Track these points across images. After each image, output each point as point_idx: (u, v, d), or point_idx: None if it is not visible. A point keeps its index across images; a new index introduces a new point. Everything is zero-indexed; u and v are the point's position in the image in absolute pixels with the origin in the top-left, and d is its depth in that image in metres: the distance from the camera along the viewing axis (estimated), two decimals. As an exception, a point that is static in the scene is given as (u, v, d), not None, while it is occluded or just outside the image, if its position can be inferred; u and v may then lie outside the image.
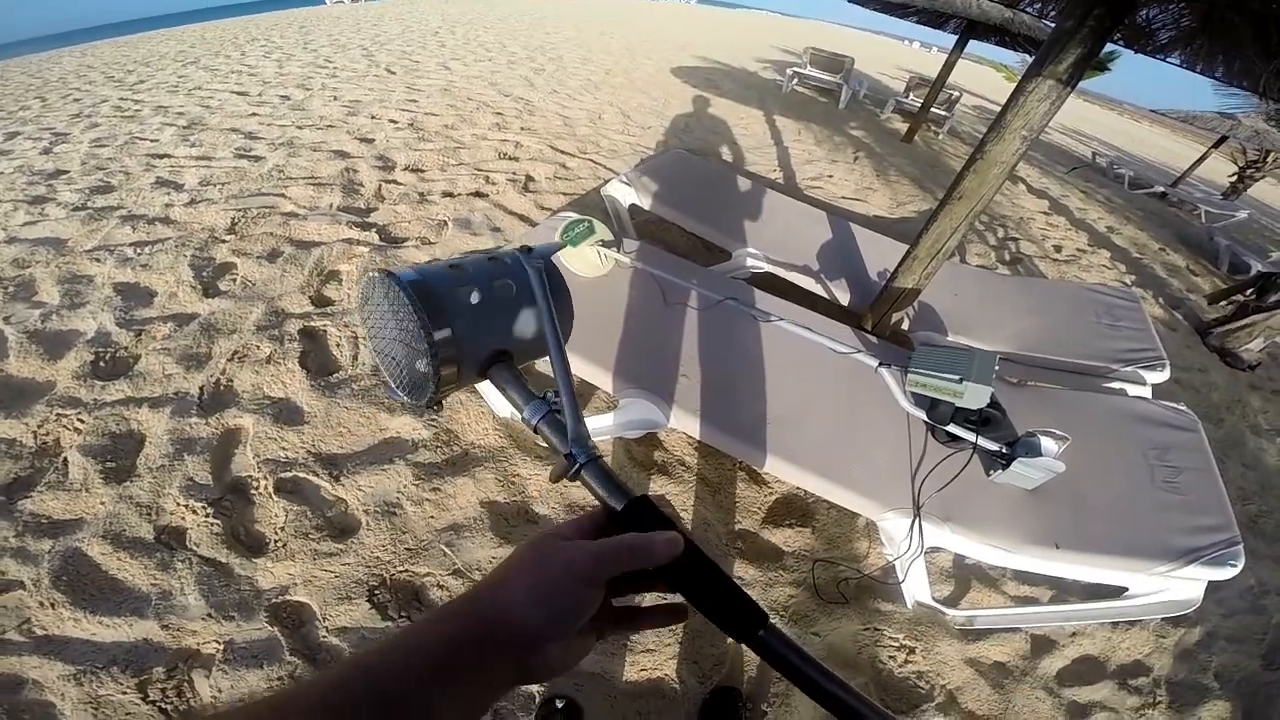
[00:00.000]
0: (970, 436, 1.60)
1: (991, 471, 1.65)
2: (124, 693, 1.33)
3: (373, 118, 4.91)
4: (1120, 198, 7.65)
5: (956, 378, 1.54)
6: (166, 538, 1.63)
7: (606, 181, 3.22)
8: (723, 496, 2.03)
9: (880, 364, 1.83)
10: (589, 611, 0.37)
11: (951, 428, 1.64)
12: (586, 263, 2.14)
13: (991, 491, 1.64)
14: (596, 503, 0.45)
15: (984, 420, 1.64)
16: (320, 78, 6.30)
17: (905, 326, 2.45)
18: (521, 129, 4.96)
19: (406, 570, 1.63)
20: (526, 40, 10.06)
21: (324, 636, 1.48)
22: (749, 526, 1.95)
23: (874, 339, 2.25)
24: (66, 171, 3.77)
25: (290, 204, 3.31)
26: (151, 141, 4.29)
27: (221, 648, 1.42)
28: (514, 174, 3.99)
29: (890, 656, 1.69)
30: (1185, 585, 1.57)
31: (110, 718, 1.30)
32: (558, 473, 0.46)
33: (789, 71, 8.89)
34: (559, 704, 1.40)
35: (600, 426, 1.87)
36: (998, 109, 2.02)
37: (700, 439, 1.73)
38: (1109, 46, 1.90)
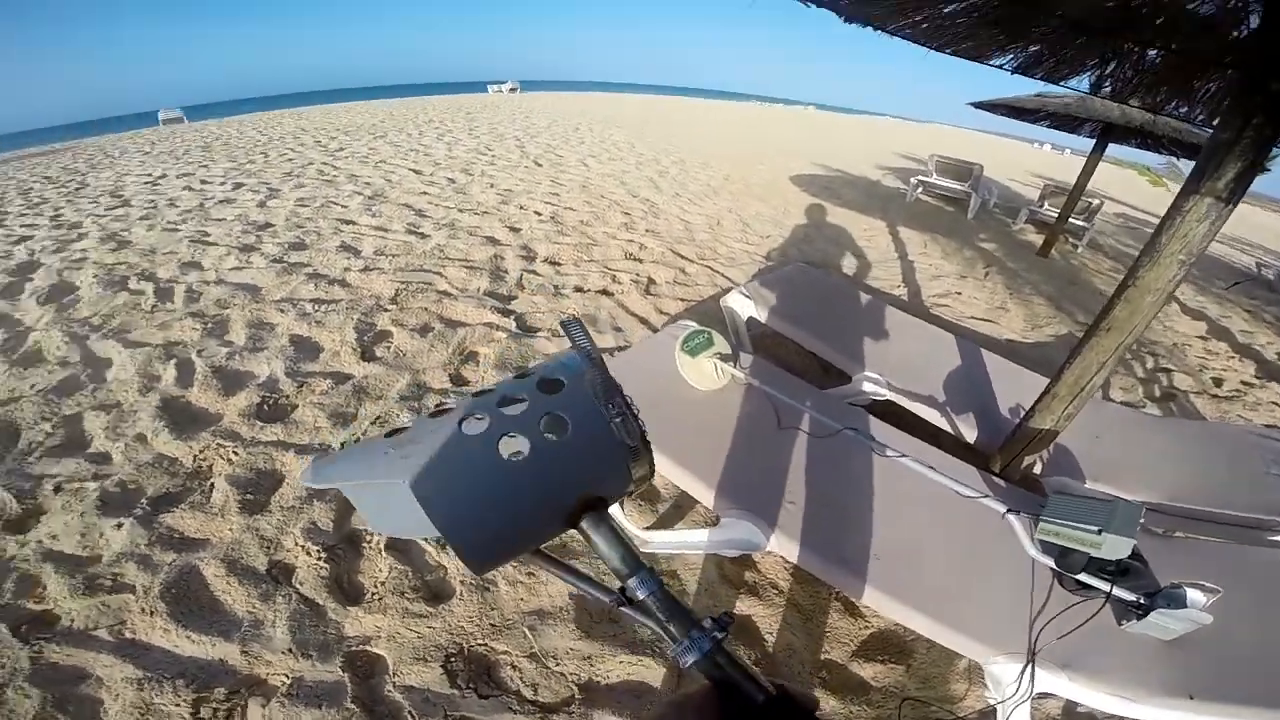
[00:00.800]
0: (1104, 586, 1.44)
1: (1124, 621, 1.46)
2: (176, 705, 1.38)
3: (521, 208, 5.42)
4: (1293, 317, 6.52)
5: (1095, 529, 1.39)
6: (276, 572, 1.74)
7: (725, 291, 3.29)
8: (813, 624, 1.88)
9: (1008, 510, 1.68)
10: None
11: (1083, 576, 1.47)
12: (702, 375, 2.15)
13: (1120, 639, 1.47)
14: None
15: (1122, 570, 1.47)
16: (480, 164, 7.22)
17: (1038, 470, 2.24)
18: (646, 231, 5.24)
19: (485, 644, 1.63)
20: (653, 142, 10.91)
21: (389, 691, 1.48)
22: (837, 657, 1.77)
23: (1002, 483, 2.07)
24: (273, 225, 4.52)
25: (445, 283, 3.66)
26: (342, 207, 5.06)
27: (289, 682, 1.46)
28: (637, 275, 4.18)
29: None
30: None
31: (149, 725, 1.33)
32: (682, 659, 0.38)
33: (913, 180, 8.72)
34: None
35: (696, 541, 1.86)
36: (1142, 216, 1.88)
37: (798, 564, 1.67)
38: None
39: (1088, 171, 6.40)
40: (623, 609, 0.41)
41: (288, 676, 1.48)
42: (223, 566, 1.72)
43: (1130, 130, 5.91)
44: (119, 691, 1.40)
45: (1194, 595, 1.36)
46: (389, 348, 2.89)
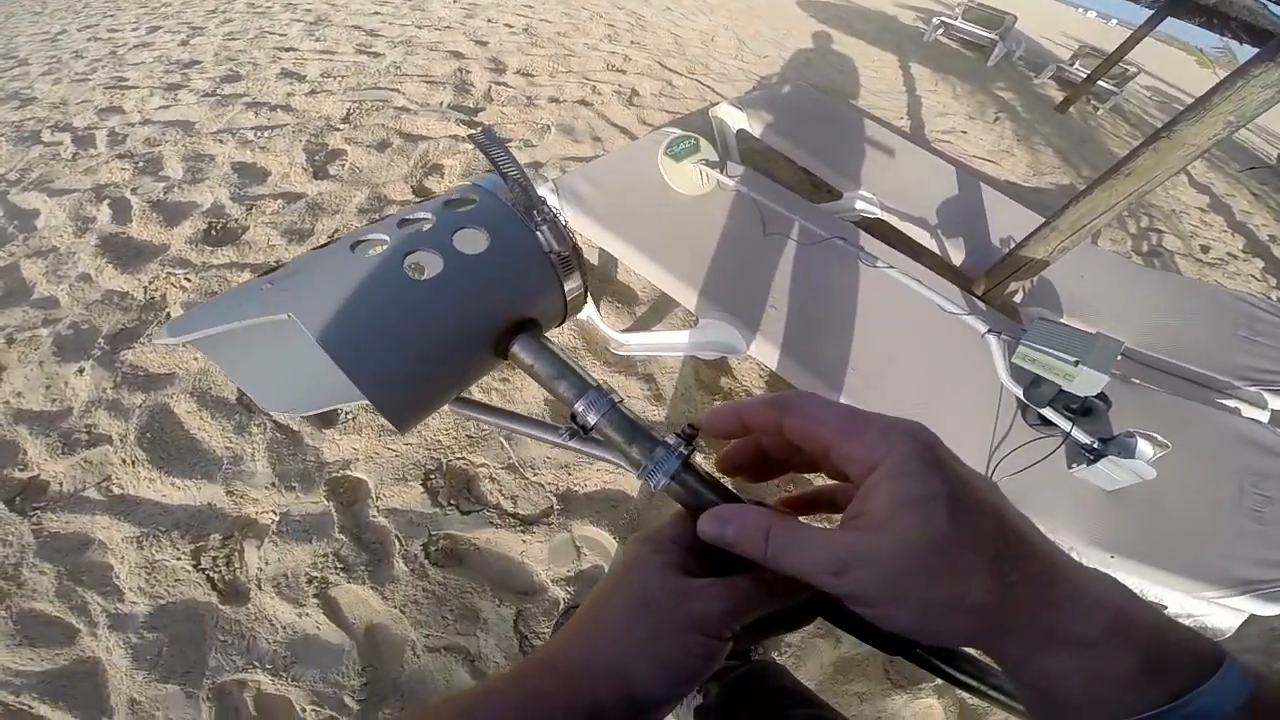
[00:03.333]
0: (1065, 424, 1.46)
1: (1074, 465, 1.50)
2: (178, 559, 1.36)
3: (489, 21, 4.89)
4: (1297, 207, 6.35)
5: (1073, 359, 1.37)
6: (247, 400, 1.68)
7: (714, 104, 3.01)
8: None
9: (989, 331, 1.65)
10: (716, 667, 0.30)
11: (1047, 411, 1.49)
12: (687, 180, 2.03)
13: (1066, 484, 1.52)
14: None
15: (1084, 410, 1.48)
16: (441, -24, 6.28)
17: (1018, 299, 2.24)
18: (632, 43, 4.84)
19: (464, 459, 1.63)
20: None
21: (374, 516, 1.49)
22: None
23: (983, 305, 2.06)
24: (200, 62, 4.00)
25: (404, 99, 3.35)
26: (280, 36, 4.46)
27: (277, 519, 1.45)
28: (620, 86, 3.90)
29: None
30: (1225, 614, 1.45)
31: (160, 583, 1.33)
32: (651, 483, 0.34)
33: (935, 20, 7.90)
34: None
35: (675, 342, 1.87)
36: (1177, 94, 1.69)
37: (775, 370, 1.66)
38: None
39: (1135, 39, 5.92)
40: (574, 442, 0.36)
41: (275, 513, 1.46)
42: (193, 401, 1.66)
43: (1198, 7, 5.20)
44: (123, 554, 1.36)
45: (1143, 446, 1.38)
46: (344, 165, 2.71)
